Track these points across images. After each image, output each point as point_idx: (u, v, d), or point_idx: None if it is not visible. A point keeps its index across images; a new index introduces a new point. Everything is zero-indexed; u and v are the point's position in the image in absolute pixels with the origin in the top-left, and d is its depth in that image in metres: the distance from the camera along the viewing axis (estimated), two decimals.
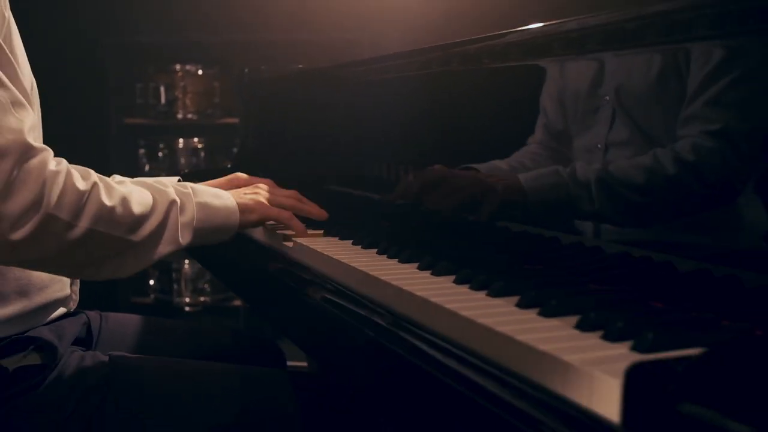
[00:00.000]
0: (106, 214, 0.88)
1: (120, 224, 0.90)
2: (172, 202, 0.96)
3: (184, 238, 0.97)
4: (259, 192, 1.11)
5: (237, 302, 2.86)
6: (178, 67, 2.91)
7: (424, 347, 0.66)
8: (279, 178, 1.23)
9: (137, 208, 0.92)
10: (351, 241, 1.03)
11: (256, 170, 1.78)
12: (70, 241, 0.85)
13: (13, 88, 0.84)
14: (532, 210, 0.92)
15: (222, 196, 1.04)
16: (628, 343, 0.55)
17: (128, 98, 2.98)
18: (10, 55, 0.88)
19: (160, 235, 0.94)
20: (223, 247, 1.07)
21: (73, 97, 2.79)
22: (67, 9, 2.75)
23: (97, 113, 2.96)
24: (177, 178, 1.20)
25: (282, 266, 1.05)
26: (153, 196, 0.95)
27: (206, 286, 2.89)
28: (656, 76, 0.78)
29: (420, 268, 0.84)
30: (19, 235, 0.81)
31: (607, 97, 0.84)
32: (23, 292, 0.97)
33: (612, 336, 0.56)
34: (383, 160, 1.28)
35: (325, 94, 1.58)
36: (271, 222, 1.13)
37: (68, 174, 0.86)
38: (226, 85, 2.98)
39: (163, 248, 0.95)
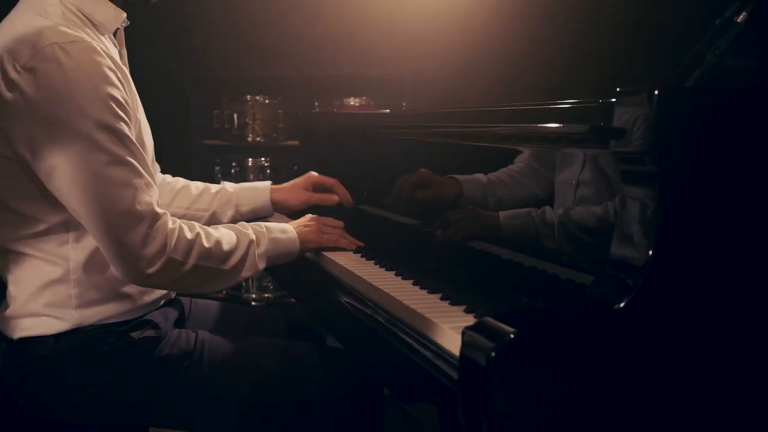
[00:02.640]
0: (206, 253, 1.35)
1: (215, 259, 1.36)
2: (251, 241, 1.42)
3: (261, 264, 1.43)
4: (315, 224, 1.56)
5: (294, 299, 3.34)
6: (248, 97, 3.41)
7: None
8: None
9: (226, 246, 1.38)
10: (373, 262, 1.45)
11: None
12: (183, 273, 1.33)
13: (145, 174, 1.31)
14: (505, 238, 1.27)
15: (287, 231, 1.50)
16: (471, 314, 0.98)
17: (207, 123, 3.50)
18: (142, 150, 1.34)
19: (243, 264, 1.41)
20: None
21: (163, 122, 3.31)
22: (160, 50, 3.28)
23: (181, 135, 3.50)
24: (269, 182, 1.79)
25: (319, 274, 1.50)
26: (237, 237, 1.41)
27: (269, 284, 3.38)
28: None
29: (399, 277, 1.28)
30: (152, 270, 1.29)
31: None
32: (142, 291, 1.44)
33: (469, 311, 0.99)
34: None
35: (356, 133, 2.02)
36: None
37: (180, 229, 1.33)
38: (288, 112, 3.46)
39: (246, 273, 1.42)
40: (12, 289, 1.36)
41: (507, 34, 2.74)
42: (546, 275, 1.14)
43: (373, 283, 1.26)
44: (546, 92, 1.71)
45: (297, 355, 1.50)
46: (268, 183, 1.81)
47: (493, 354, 0.79)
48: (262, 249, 1.44)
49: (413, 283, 1.26)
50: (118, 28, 1.45)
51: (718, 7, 1.67)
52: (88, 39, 1.29)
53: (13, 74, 1.23)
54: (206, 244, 1.35)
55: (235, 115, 3.42)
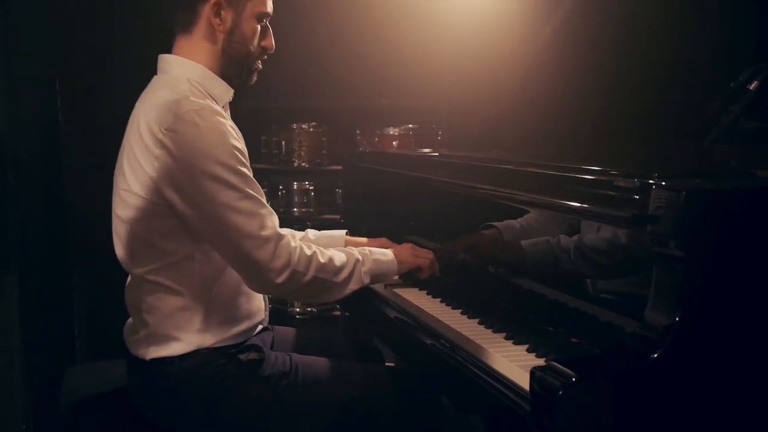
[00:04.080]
0: (322, 267, 1.65)
1: (329, 272, 1.67)
2: (357, 260, 1.73)
3: (366, 279, 1.74)
4: (410, 250, 1.87)
5: (336, 313, 3.62)
6: (295, 125, 3.70)
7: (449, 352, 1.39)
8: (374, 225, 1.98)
9: (338, 262, 1.68)
10: (425, 292, 1.76)
11: (360, 219, 2.54)
12: (304, 283, 1.63)
13: (265, 203, 1.61)
14: (529, 265, 1.59)
15: (387, 254, 1.81)
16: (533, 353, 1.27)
17: (255, 149, 3.79)
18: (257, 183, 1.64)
19: (351, 278, 1.71)
20: None
21: None
22: None
23: None
24: (345, 231, 2.08)
25: (394, 309, 1.80)
26: (346, 256, 1.72)
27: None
28: None
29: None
30: (279, 280, 1.59)
31: None
32: (247, 316, 1.73)
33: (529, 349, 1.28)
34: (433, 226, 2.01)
35: (403, 172, 2.30)
36: None
37: (301, 247, 1.62)
38: (331, 139, 3.74)
39: (353, 285, 1.72)
40: (145, 315, 1.65)
41: (536, 75, 3.02)
42: (587, 316, 1.44)
43: (445, 322, 1.55)
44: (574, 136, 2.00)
45: (372, 375, 1.79)
46: (343, 232, 2.10)
47: (561, 392, 1.08)
48: (366, 267, 1.75)
49: (479, 323, 1.55)
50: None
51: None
52: (212, 105, 1.60)
53: (159, 135, 1.54)
54: (322, 260, 1.65)
55: (283, 142, 3.70)
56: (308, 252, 1.64)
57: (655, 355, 1.11)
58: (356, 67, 3.67)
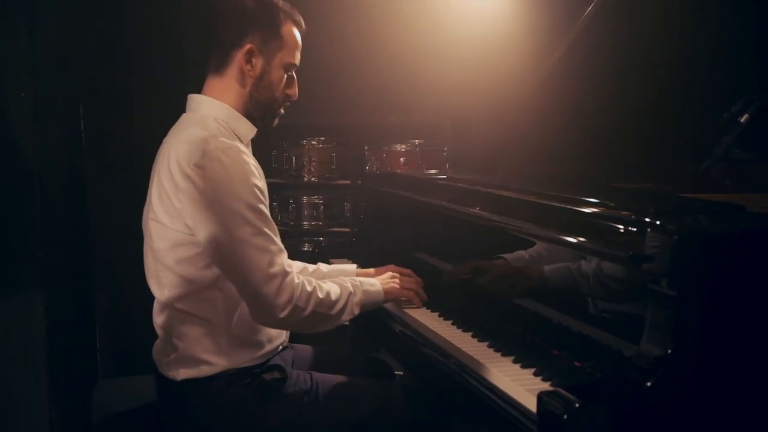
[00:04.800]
0: (320, 302, 1.77)
1: (326, 306, 1.78)
2: (350, 293, 1.84)
3: (356, 310, 1.86)
4: (396, 280, 1.99)
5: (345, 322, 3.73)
6: (305, 141, 3.82)
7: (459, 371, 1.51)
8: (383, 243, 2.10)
9: (333, 296, 1.80)
10: (434, 312, 1.88)
11: (370, 237, 2.67)
12: (303, 317, 1.74)
13: (278, 242, 1.73)
14: (548, 289, 1.70)
15: (375, 285, 1.93)
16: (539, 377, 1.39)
17: (267, 163, 3.91)
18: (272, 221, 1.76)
19: (344, 310, 1.83)
20: None
21: None
22: None
23: None
24: (355, 265, 2.16)
25: (406, 329, 1.92)
26: (340, 289, 1.83)
27: None
28: None
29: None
30: (282, 315, 1.71)
31: None
32: (269, 338, 1.85)
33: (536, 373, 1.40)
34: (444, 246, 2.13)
35: (411, 195, 2.42)
36: None
37: (302, 283, 1.74)
38: (340, 155, 3.86)
39: (345, 317, 1.84)
40: (174, 340, 1.78)
41: (540, 97, 3.14)
42: (590, 341, 1.56)
43: (457, 345, 1.67)
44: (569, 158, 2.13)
45: (385, 393, 1.92)
46: (353, 266, 2.21)
47: (565, 416, 1.20)
48: (357, 299, 1.87)
49: (488, 346, 1.67)
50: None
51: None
52: (238, 145, 1.72)
53: (187, 170, 1.67)
54: (320, 295, 1.77)
55: (293, 157, 3.82)
56: (308, 288, 1.75)
57: (649, 384, 1.23)
58: (365, 86, 3.80)
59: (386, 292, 1.95)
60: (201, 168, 1.66)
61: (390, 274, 2.04)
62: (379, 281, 1.96)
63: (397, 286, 1.99)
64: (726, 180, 2.29)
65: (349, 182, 3.81)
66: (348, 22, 3.68)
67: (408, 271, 2.12)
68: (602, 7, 2.35)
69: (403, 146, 3.70)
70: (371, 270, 2.16)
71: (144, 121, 3.16)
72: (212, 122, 1.77)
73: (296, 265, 2.13)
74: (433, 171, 2.87)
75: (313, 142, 3.82)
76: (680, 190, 2.13)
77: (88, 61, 3.04)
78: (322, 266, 2.18)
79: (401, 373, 2.86)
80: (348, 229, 3.78)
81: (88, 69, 3.04)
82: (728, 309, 1.27)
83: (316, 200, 3.83)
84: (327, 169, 3.84)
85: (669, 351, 1.23)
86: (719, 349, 1.26)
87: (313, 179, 3.84)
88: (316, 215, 3.83)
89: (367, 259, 2.50)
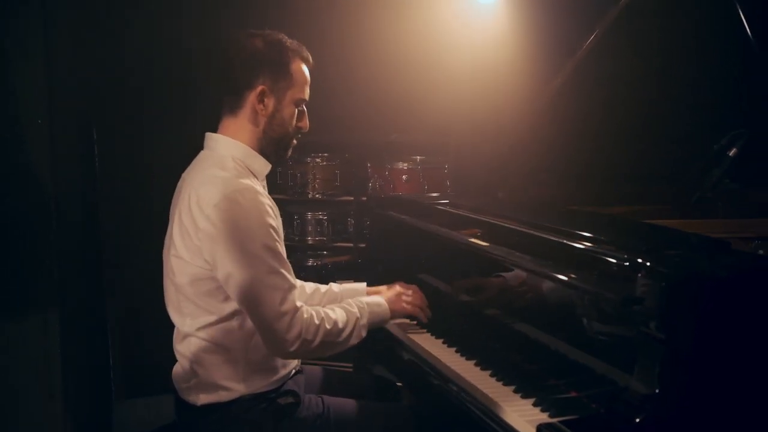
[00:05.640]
0: (328, 332, 1.87)
1: (333, 335, 1.89)
2: (357, 317, 1.95)
3: (363, 333, 1.97)
4: (402, 297, 2.09)
5: None
6: (309, 159, 3.92)
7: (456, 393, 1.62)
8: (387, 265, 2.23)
9: (341, 324, 1.91)
10: (441, 341, 1.99)
11: (376, 256, 2.77)
12: (312, 348, 1.85)
13: (290, 279, 1.83)
14: (544, 318, 1.80)
15: (381, 304, 2.04)
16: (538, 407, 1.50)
17: (272, 180, 4.00)
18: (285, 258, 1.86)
19: (351, 335, 1.94)
20: None
21: None
22: None
23: None
24: (365, 283, 2.25)
25: (410, 354, 2.03)
26: (347, 315, 1.94)
27: None
28: None
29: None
30: (292, 349, 1.81)
31: None
32: (283, 364, 1.96)
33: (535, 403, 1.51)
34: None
35: (414, 223, 2.53)
36: None
37: (311, 317, 1.85)
38: (344, 172, 3.96)
39: (353, 341, 1.95)
40: (194, 366, 1.88)
41: (540, 121, 3.24)
42: (586, 370, 1.67)
43: (461, 374, 1.78)
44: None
45: (393, 415, 2.03)
46: (363, 285, 2.30)
47: None
48: (363, 321, 1.98)
49: (491, 375, 1.78)
50: None
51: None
52: (254, 185, 1.82)
53: (207, 210, 1.78)
54: (328, 326, 1.88)
55: (298, 174, 3.92)
56: (317, 321, 1.86)
57: (638, 420, 1.34)
58: (368, 105, 3.89)
59: (392, 310, 2.06)
60: (220, 209, 1.77)
61: (396, 291, 2.14)
62: (384, 299, 2.07)
63: (403, 303, 2.10)
64: (718, 202, 2.41)
65: (352, 198, 3.92)
66: (352, 42, 3.78)
67: (413, 287, 2.22)
68: (602, 38, 2.47)
69: (405, 164, 3.80)
70: (381, 288, 2.24)
71: (155, 143, 3.27)
72: (230, 162, 1.87)
73: (309, 287, 2.24)
74: (435, 194, 2.97)
75: (317, 160, 3.92)
76: (672, 211, 2.28)
77: (101, 86, 3.14)
78: (334, 286, 2.28)
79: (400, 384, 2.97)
80: (351, 244, 3.89)
81: (101, 94, 3.15)
82: (714, 351, 1.38)
83: (321, 216, 3.92)
84: (331, 186, 3.94)
85: (656, 390, 1.34)
86: (705, 389, 1.37)
87: (317, 196, 3.94)
88: (320, 230, 3.93)
89: (371, 280, 2.60)
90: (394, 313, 2.07)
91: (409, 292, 2.16)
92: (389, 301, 2.07)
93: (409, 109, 3.86)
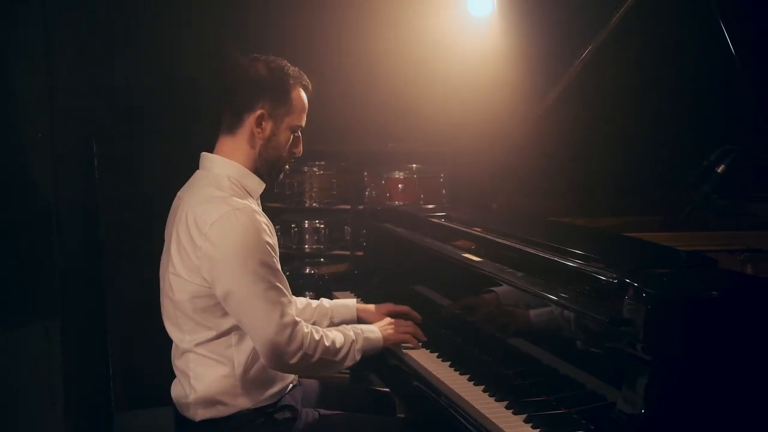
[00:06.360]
0: (326, 350, 1.92)
1: (331, 353, 1.93)
2: (352, 340, 1.99)
3: (357, 356, 2.01)
4: (394, 327, 2.13)
5: None
6: (306, 168, 3.97)
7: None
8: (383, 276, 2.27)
9: (338, 344, 1.95)
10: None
11: (373, 268, 2.81)
12: (311, 363, 1.89)
13: (288, 294, 1.88)
14: (535, 332, 1.85)
15: (375, 332, 2.08)
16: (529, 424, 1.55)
17: (269, 189, 4.03)
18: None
19: (347, 357, 1.98)
20: None
21: None
22: None
23: None
24: (355, 300, 2.29)
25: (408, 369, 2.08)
26: (344, 337, 1.98)
27: None
28: None
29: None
30: (292, 362, 1.86)
31: None
32: (281, 379, 2.00)
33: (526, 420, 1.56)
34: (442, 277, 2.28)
35: (410, 238, 2.58)
36: None
37: (311, 332, 1.89)
38: (340, 181, 4.00)
39: (348, 362, 1.99)
40: (193, 382, 1.92)
41: (536, 134, 3.28)
42: (576, 386, 1.71)
43: (456, 389, 1.83)
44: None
45: (386, 428, 2.07)
46: (354, 301, 2.35)
47: None
48: (358, 345, 2.01)
49: (483, 390, 1.83)
50: None
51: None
52: (250, 204, 1.87)
53: (205, 229, 1.82)
54: (326, 343, 1.92)
55: (295, 183, 3.97)
56: (316, 336, 1.91)
57: None
58: (364, 114, 3.94)
59: (385, 339, 2.11)
60: (218, 228, 1.81)
61: (388, 320, 2.18)
62: (378, 328, 2.12)
63: (394, 332, 2.14)
64: (708, 213, 2.46)
65: (349, 207, 3.96)
66: (349, 52, 3.82)
67: (405, 309, 2.27)
68: (595, 53, 2.52)
69: (402, 173, 3.85)
70: (371, 307, 2.30)
71: (155, 150, 3.31)
72: (225, 181, 1.91)
73: (300, 301, 2.28)
74: (430, 206, 3.01)
75: (314, 168, 3.97)
76: (662, 222, 2.32)
77: (101, 100, 3.18)
78: (325, 302, 2.33)
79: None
80: (348, 252, 3.93)
81: (101, 108, 3.19)
82: (700, 371, 1.42)
83: (317, 224, 3.97)
84: (327, 195, 3.99)
85: (642, 411, 1.38)
86: (691, 409, 1.41)
87: (314, 204, 3.99)
88: (317, 239, 3.98)
89: (367, 291, 2.66)
90: (387, 342, 2.11)
91: (401, 321, 2.20)
92: (382, 330, 2.12)
93: (405, 118, 3.91)
